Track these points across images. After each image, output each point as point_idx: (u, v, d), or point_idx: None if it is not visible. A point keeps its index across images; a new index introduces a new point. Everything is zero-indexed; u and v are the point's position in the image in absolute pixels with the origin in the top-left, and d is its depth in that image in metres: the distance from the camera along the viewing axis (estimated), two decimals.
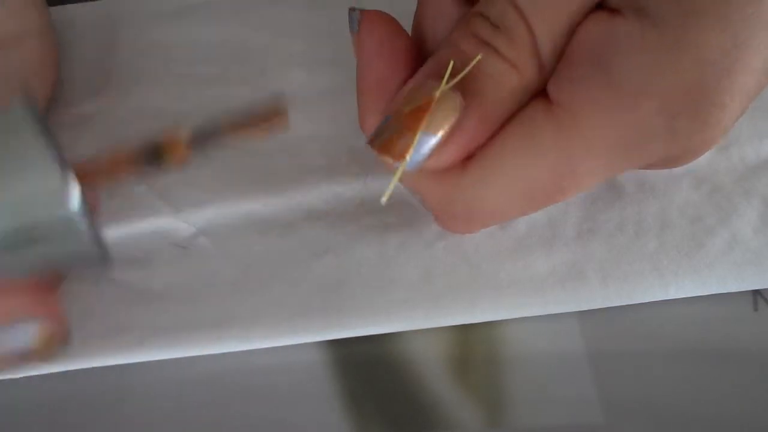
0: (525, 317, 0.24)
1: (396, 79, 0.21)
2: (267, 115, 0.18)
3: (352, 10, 0.22)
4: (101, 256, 0.16)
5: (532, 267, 0.24)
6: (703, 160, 0.25)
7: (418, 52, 0.22)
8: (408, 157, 0.19)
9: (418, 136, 0.19)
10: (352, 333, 0.24)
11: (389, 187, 0.19)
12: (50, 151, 0.15)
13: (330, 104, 0.27)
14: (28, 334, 0.15)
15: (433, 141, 0.19)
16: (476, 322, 0.24)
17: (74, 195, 0.15)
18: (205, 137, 0.17)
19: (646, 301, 0.24)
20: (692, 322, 0.24)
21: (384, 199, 0.19)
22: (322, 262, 0.25)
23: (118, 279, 0.25)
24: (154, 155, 0.17)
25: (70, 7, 0.31)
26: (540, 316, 0.24)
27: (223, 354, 0.24)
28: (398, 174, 0.19)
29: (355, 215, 0.25)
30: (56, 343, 0.16)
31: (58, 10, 0.30)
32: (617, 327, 0.24)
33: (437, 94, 0.19)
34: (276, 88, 0.28)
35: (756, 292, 0.24)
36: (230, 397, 0.23)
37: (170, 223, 0.26)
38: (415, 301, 0.24)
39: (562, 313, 0.24)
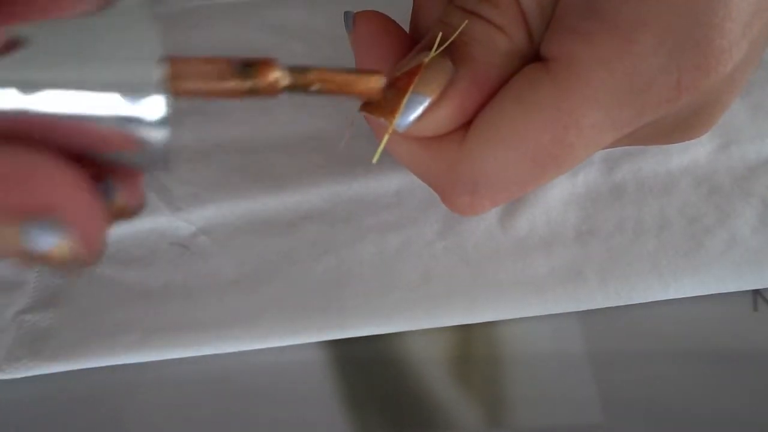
0: (525, 317, 0.24)
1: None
2: (362, 78, 0.18)
3: (347, 12, 0.22)
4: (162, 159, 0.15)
5: (531, 267, 0.24)
6: (703, 159, 0.26)
7: (414, 45, 0.22)
8: (398, 116, 0.19)
9: (408, 96, 0.19)
10: (352, 333, 0.24)
11: (380, 146, 0.20)
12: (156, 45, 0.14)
13: (330, 104, 0.28)
14: (50, 238, 0.12)
15: (424, 102, 0.19)
16: (476, 322, 0.24)
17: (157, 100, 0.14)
18: (300, 70, 0.16)
19: (646, 301, 0.24)
20: (692, 322, 0.24)
21: (375, 159, 0.20)
22: (322, 262, 0.25)
23: (118, 279, 0.25)
24: (246, 69, 0.16)
25: None
26: (540, 316, 0.24)
27: (223, 353, 0.24)
28: (389, 132, 0.20)
29: (355, 215, 0.25)
30: (77, 263, 0.13)
31: None
32: (617, 327, 0.24)
33: (426, 60, 0.19)
34: None
35: (756, 292, 0.24)
36: (230, 396, 0.23)
37: (170, 222, 0.26)
38: (416, 301, 0.24)
39: (562, 313, 0.24)
